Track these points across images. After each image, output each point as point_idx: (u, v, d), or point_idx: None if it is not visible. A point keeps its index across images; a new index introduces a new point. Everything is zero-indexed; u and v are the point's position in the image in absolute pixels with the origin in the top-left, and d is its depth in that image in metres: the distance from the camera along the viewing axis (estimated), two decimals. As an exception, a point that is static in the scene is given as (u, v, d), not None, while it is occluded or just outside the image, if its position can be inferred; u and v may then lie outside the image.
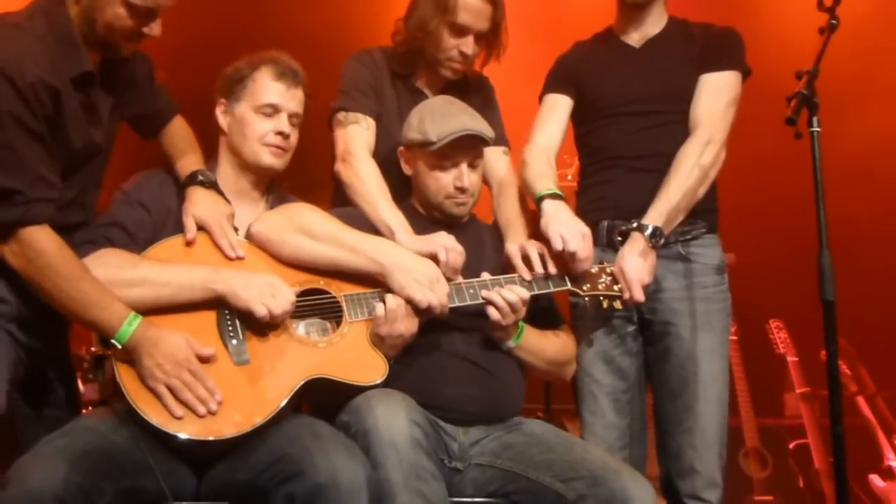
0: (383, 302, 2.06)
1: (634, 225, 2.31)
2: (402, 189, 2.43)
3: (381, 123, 2.52)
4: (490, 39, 2.52)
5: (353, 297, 2.14)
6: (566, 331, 2.43)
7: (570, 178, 3.62)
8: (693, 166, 2.33)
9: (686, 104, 2.41)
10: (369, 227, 2.27)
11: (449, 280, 2.15)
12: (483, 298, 2.15)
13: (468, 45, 2.47)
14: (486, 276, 2.23)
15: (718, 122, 2.37)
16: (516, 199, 2.49)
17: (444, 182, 2.30)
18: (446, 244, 2.18)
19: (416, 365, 2.18)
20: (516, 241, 2.33)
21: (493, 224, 2.52)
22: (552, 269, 2.27)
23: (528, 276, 2.24)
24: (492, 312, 2.15)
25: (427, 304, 2.05)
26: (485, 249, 2.40)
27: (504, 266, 2.33)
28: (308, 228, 2.12)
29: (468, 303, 2.19)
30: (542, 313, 2.36)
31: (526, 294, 2.19)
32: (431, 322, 2.16)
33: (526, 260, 2.28)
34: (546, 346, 2.32)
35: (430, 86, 2.59)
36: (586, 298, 2.29)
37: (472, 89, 2.64)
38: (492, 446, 2.16)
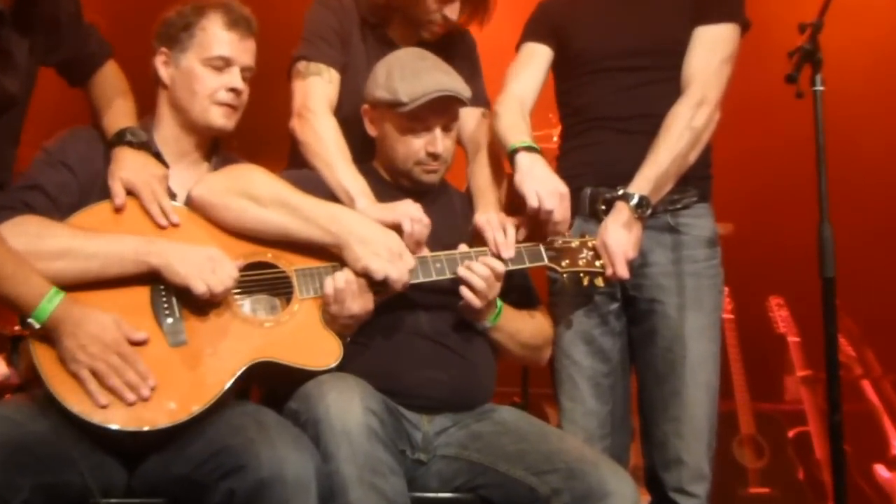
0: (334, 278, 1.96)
1: (620, 193, 2.20)
2: (366, 151, 2.28)
3: (346, 76, 2.37)
4: (476, 3, 2.40)
5: (305, 272, 2.01)
6: (542, 311, 2.31)
7: (555, 139, 3.48)
8: (684, 129, 2.20)
9: (678, 59, 2.28)
10: (326, 192, 2.12)
11: (413, 254, 2.04)
12: (456, 276, 2.04)
13: (454, 10, 2.36)
14: (462, 247, 2.11)
15: (713, 80, 2.24)
16: (490, 164, 2.36)
17: (414, 147, 2.17)
18: (412, 214, 2.06)
19: (374, 346, 2.05)
20: (486, 211, 2.20)
21: (466, 191, 2.39)
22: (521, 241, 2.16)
23: (503, 252, 2.12)
24: (465, 293, 2.04)
25: (384, 277, 1.94)
26: (456, 220, 2.27)
27: (472, 238, 2.20)
28: (255, 193, 1.98)
29: (434, 278, 2.06)
30: (516, 291, 2.24)
31: (501, 267, 2.07)
32: (394, 299, 2.04)
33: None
34: (522, 327, 2.21)
35: (404, 39, 2.44)
36: (565, 276, 2.18)
37: (451, 42, 2.48)
38: (459, 436, 2.06)
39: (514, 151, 2.19)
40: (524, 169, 2.16)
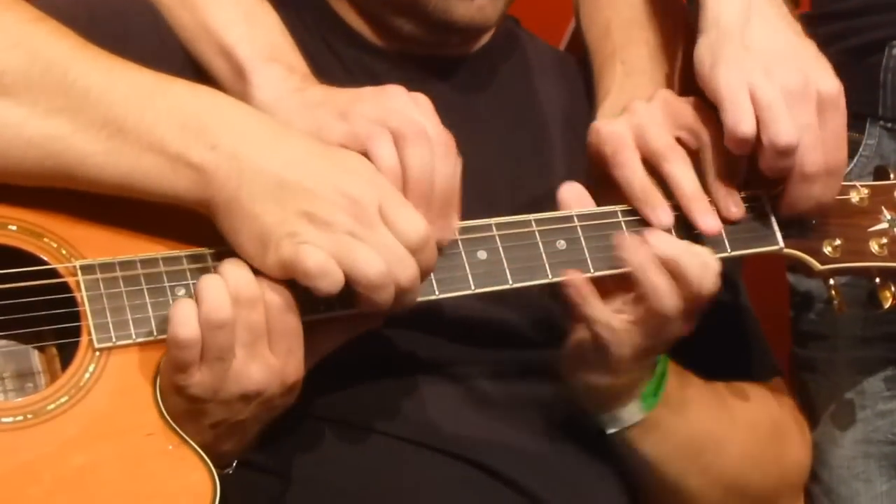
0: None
1: None
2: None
3: None
4: None
5: (113, 276, 0.99)
6: (782, 391, 1.27)
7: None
8: None
9: None
10: (172, 58, 1.08)
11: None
12: (559, 284, 1.03)
13: None
14: (567, 198, 1.07)
15: None
16: None
17: None
18: (408, 116, 0.99)
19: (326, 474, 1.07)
20: (636, 111, 1.10)
21: (569, 49, 1.38)
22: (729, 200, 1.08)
23: (699, 219, 1.06)
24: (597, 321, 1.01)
25: (346, 279, 0.92)
26: (542, 122, 1.22)
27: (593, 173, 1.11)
28: None
29: (490, 287, 1.01)
30: (711, 328, 1.16)
31: (715, 264, 1.03)
32: (376, 344, 1.05)
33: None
34: (722, 431, 1.19)
35: None
36: (834, 285, 1.14)
37: None
38: None
39: None
40: (727, 21, 1.09)
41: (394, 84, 1.00)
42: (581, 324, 1.01)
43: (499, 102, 1.19)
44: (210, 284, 0.87)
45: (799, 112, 1.02)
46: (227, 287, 0.87)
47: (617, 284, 0.99)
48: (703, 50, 1.07)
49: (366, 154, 0.95)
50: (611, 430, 1.09)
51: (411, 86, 0.98)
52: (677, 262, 0.97)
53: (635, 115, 1.05)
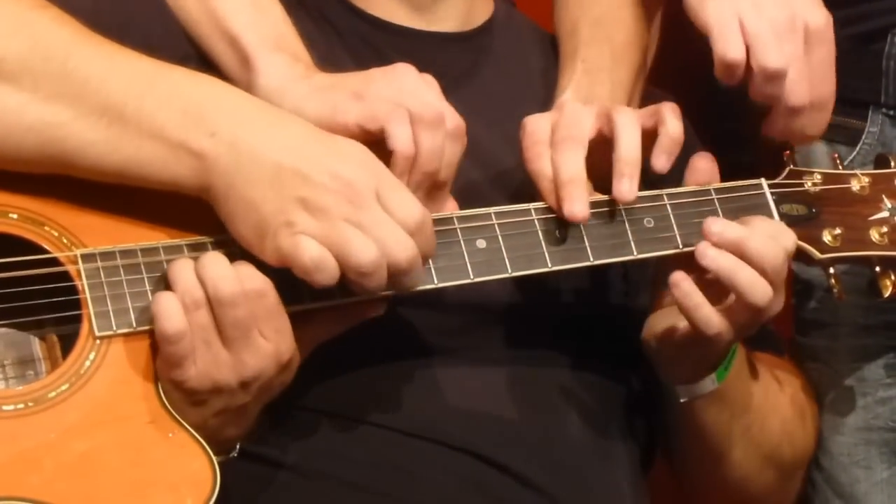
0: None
1: None
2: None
3: None
4: None
5: (112, 264, 0.97)
6: (794, 374, 1.30)
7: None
8: None
9: None
10: (178, 45, 1.08)
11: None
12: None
13: None
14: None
15: None
16: None
17: None
18: (417, 95, 0.97)
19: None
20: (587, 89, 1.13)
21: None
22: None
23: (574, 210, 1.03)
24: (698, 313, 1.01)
25: (357, 268, 0.90)
26: (540, 100, 1.18)
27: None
28: None
29: (485, 277, 0.99)
30: None
31: (791, 240, 1.05)
32: (379, 337, 1.01)
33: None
34: (770, 401, 1.24)
35: None
36: (833, 272, 1.12)
37: None
38: None
39: None
40: None
41: (399, 61, 0.99)
42: (665, 308, 1.03)
43: (499, 78, 1.18)
44: (179, 268, 0.88)
45: (786, 43, 1.02)
46: (199, 273, 0.87)
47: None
48: None
49: (381, 134, 0.93)
50: (683, 400, 1.10)
51: (414, 60, 0.98)
52: (754, 252, 0.98)
53: (561, 111, 1.05)
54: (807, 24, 1.04)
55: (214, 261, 0.87)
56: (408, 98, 0.94)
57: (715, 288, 0.98)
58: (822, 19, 1.04)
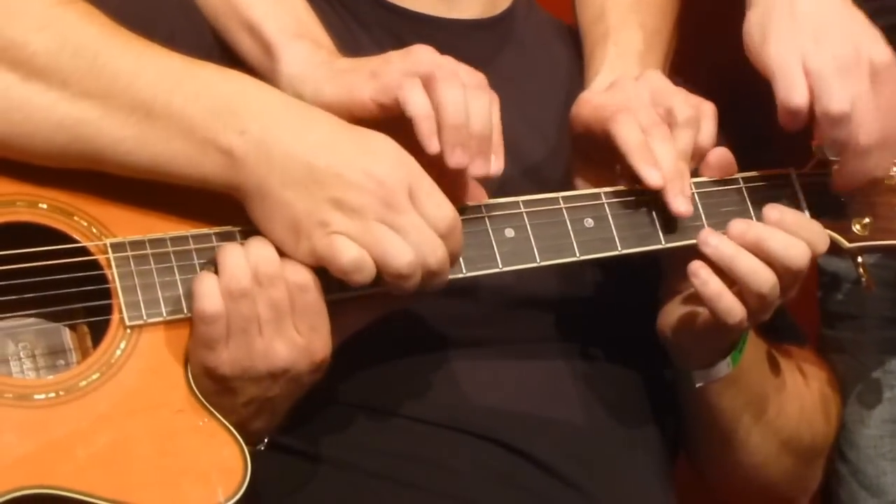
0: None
1: None
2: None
3: None
4: None
5: (143, 253, 0.96)
6: (821, 367, 1.29)
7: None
8: None
9: None
10: (201, 37, 1.09)
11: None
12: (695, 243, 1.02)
13: None
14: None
15: None
16: None
17: None
18: (434, 58, 0.98)
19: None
20: (624, 85, 1.09)
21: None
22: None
23: (654, 177, 1.02)
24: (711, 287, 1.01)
25: (395, 271, 0.90)
26: (557, 89, 1.19)
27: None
28: (23, 54, 0.93)
29: (514, 267, 0.98)
30: None
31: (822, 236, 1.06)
32: (408, 330, 1.03)
33: None
34: (787, 387, 1.23)
35: None
36: (861, 263, 1.12)
37: None
38: None
39: None
40: None
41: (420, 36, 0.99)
42: (679, 296, 1.02)
43: (521, 65, 1.18)
44: (230, 253, 0.87)
45: (851, 81, 0.98)
46: (248, 260, 0.86)
47: None
48: (753, 24, 1.03)
49: (398, 107, 0.92)
50: (698, 384, 1.09)
51: (436, 47, 0.98)
52: (763, 244, 0.98)
53: (623, 91, 1.04)
54: (872, 61, 1.00)
55: (261, 243, 0.87)
56: (421, 66, 0.93)
57: (725, 276, 0.98)
58: (887, 55, 1.01)
